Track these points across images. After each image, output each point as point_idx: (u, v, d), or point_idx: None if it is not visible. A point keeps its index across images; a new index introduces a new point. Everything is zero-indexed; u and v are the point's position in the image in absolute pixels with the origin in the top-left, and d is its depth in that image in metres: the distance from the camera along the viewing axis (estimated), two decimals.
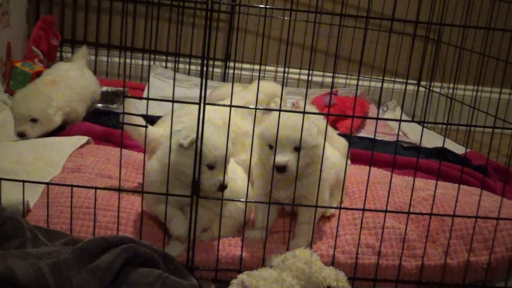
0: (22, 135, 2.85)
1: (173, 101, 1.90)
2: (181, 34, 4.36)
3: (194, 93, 4.08)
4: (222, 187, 2.02)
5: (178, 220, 2.07)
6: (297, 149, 2.07)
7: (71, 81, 3.15)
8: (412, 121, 3.08)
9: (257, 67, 4.41)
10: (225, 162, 2.02)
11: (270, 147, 2.09)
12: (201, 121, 1.92)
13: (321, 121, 2.28)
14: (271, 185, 2.07)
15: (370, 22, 4.33)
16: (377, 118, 2.04)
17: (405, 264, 2.15)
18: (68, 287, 1.73)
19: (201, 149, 1.95)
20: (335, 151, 2.45)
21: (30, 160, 2.51)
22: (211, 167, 2.01)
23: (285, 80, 4.32)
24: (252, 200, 2.21)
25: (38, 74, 3.40)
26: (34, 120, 2.86)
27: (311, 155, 2.10)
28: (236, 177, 2.26)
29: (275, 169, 2.05)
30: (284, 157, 2.05)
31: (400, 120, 2.06)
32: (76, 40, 4.34)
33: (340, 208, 2.18)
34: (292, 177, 2.13)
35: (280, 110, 1.99)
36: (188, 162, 1.99)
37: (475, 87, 4.02)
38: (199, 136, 1.95)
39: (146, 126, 1.99)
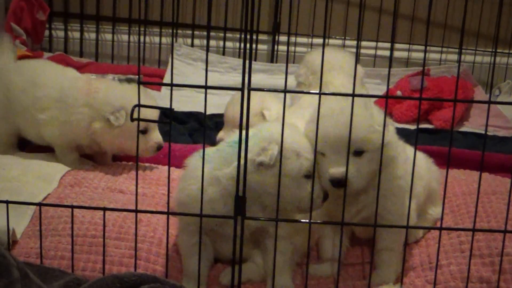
0: None
1: (206, 87, 1.91)
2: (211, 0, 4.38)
3: (232, 78, 4.12)
4: (327, 194, 2.08)
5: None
6: (358, 153, 2.05)
7: None
8: None
9: (317, 40, 4.41)
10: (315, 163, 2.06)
11: (323, 154, 2.08)
12: (245, 111, 1.92)
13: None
14: (343, 204, 2.04)
15: None
16: (489, 102, 2.02)
17: None
18: None
19: (280, 159, 1.98)
20: (420, 153, 2.40)
21: (15, 174, 2.55)
22: (309, 176, 2.04)
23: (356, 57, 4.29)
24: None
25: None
26: None
27: (382, 158, 2.05)
28: None
29: (330, 183, 2.05)
30: (339, 167, 2.04)
31: None
32: (70, 12, 4.41)
33: (440, 228, 2.16)
34: (358, 192, 2.13)
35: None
36: (273, 180, 2.00)
37: None
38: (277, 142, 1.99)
39: (169, 122, 2.00)
